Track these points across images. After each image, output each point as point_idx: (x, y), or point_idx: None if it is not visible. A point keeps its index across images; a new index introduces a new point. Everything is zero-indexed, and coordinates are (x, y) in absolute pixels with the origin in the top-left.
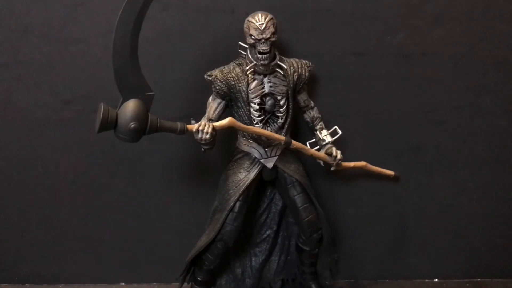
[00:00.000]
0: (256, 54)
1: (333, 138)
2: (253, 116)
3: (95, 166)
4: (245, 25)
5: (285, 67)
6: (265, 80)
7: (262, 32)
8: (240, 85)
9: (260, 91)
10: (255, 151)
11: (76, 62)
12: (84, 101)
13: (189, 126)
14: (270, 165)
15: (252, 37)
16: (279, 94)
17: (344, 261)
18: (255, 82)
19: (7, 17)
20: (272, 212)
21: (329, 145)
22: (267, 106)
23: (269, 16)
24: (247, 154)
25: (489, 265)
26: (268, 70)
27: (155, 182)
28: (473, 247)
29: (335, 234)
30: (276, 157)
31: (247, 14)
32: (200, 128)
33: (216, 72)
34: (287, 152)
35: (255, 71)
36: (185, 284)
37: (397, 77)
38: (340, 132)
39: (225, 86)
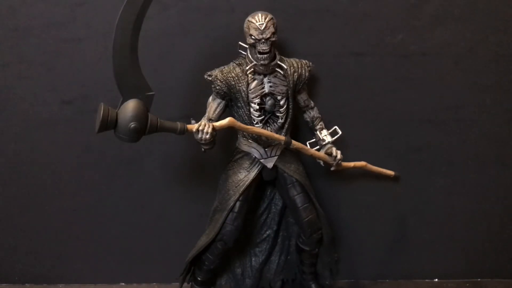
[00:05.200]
0: (256, 54)
1: (333, 138)
2: (253, 116)
3: (95, 166)
4: (245, 25)
5: (285, 67)
6: (265, 80)
7: (262, 32)
8: (240, 85)
9: (260, 91)
10: (255, 151)
11: (76, 62)
12: (84, 101)
13: (189, 126)
14: (270, 165)
15: (252, 37)
16: (279, 94)
17: (344, 261)
18: (255, 82)
19: (7, 17)
20: (272, 212)
21: (329, 145)
22: (267, 106)
23: (269, 16)
24: (247, 154)
25: (489, 265)
26: (268, 70)
27: (155, 182)
28: (473, 247)
29: (335, 234)
30: (276, 157)
31: (247, 14)
32: (200, 128)
33: (216, 72)
34: (287, 152)
35: (255, 71)
36: (185, 284)
37: (397, 77)
38: (340, 132)
39: (225, 86)
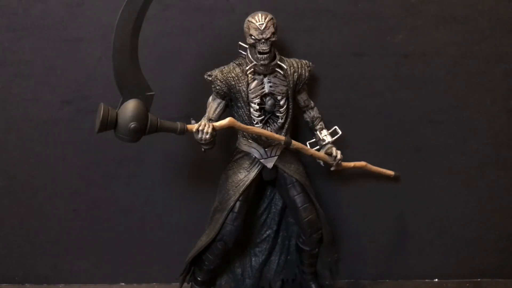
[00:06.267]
0: (256, 54)
1: (333, 138)
2: (253, 116)
3: (95, 166)
4: (245, 25)
5: (285, 67)
6: (265, 80)
7: (262, 32)
8: (240, 85)
9: (260, 91)
10: (255, 151)
11: (76, 62)
12: (84, 101)
13: (189, 126)
14: (270, 165)
15: (252, 37)
16: (279, 94)
17: (344, 261)
18: (255, 82)
19: (7, 17)
20: (272, 212)
21: (329, 145)
22: (267, 106)
23: (269, 16)
24: (247, 154)
25: (489, 265)
26: (268, 70)
27: (155, 182)
28: (473, 247)
29: (335, 234)
30: (276, 157)
31: (247, 14)
32: (200, 128)
33: (216, 72)
34: (287, 152)
35: (255, 71)
36: (185, 284)
37: (397, 77)
38: (340, 132)
39: (225, 86)
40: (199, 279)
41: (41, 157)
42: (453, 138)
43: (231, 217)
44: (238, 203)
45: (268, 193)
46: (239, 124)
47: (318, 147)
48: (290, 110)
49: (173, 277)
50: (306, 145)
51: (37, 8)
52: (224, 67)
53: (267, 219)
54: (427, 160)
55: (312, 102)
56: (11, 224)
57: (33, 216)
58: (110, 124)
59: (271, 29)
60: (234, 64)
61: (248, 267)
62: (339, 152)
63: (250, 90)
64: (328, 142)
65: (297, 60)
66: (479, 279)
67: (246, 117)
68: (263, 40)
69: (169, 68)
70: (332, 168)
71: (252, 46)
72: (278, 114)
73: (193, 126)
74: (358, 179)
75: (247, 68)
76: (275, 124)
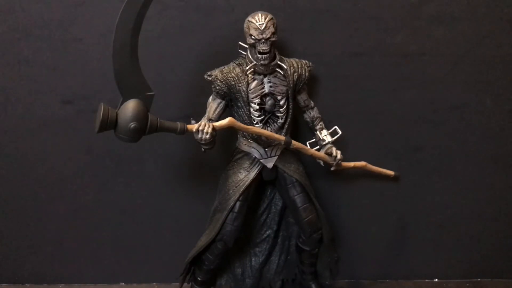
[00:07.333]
0: (256, 54)
1: (333, 138)
2: (253, 116)
3: (95, 166)
4: (245, 25)
5: (285, 67)
6: (265, 80)
7: (262, 32)
8: (240, 85)
9: (260, 91)
10: (255, 151)
11: (76, 62)
12: (84, 101)
13: (189, 126)
14: (270, 165)
15: (252, 37)
16: (279, 94)
17: (344, 261)
18: (255, 82)
19: (7, 17)
20: (272, 212)
21: (329, 145)
22: (267, 106)
23: (269, 16)
24: (247, 154)
25: (489, 265)
26: (268, 70)
27: (155, 182)
28: (473, 247)
29: (335, 234)
30: (276, 157)
31: (247, 14)
32: (200, 128)
33: (216, 72)
34: (287, 152)
35: (255, 71)
36: (185, 284)
37: (397, 77)
38: (340, 132)
39: (225, 86)
40: (199, 279)
41: (41, 157)
42: (453, 138)
43: (231, 217)
44: (238, 203)
45: (268, 193)
46: (239, 124)
47: (318, 147)
48: (290, 110)
49: (173, 277)
50: (306, 145)
51: (37, 8)
52: (224, 67)
53: (267, 219)
54: (427, 160)
55: (312, 102)
56: (11, 224)
57: (33, 216)
58: (110, 124)
59: (271, 29)
60: (234, 64)
61: (248, 267)
62: (339, 152)
63: (250, 90)
64: (328, 142)
65: (297, 60)
66: (479, 279)
67: (246, 117)
68: (263, 40)
69: (169, 68)
70: (332, 168)
71: (252, 46)
72: (278, 114)
73: (193, 126)
74: (358, 179)
75: (247, 68)
76: (275, 124)
